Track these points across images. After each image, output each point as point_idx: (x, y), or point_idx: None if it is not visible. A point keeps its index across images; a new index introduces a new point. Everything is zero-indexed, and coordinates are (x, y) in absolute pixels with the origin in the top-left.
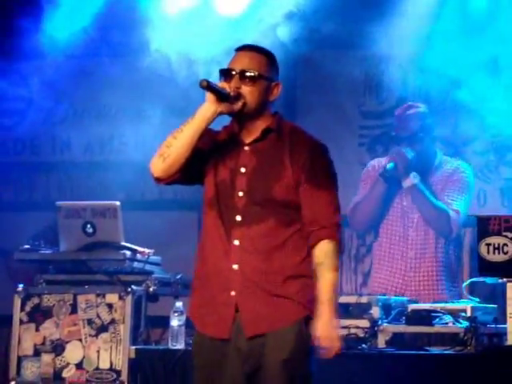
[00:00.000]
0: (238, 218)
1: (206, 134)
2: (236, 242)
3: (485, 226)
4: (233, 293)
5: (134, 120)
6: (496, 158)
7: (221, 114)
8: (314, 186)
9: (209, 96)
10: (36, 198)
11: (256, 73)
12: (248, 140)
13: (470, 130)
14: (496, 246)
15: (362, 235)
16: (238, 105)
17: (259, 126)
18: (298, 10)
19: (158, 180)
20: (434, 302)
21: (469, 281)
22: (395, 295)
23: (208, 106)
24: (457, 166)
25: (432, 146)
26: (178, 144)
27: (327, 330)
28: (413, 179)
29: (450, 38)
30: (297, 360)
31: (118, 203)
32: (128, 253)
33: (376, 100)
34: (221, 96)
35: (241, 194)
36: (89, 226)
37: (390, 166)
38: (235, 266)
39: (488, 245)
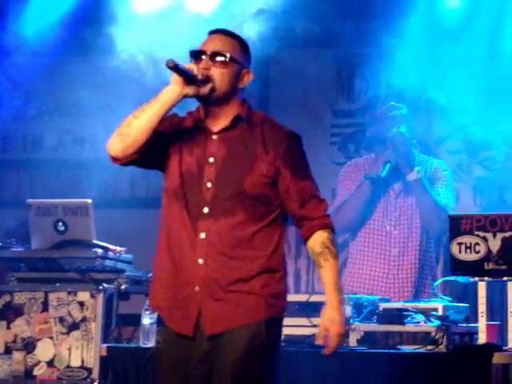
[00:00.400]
0: (206, 210)
1: (170, 118)
2: (202, 235)
3: (457, 225)
4: (197, 288)
5: (104, 118)
6: (468, 157)
7: (186, 96)
8: (297, 176)
9: (174, 77)
10: (7, 195)
11: (228, 55)
12: (216, 128)
13: (443, 129)
14: (468, 245)
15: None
16: (206, 88)
17: (228, 114)
18: (268, 7)
19: (114, 159)
20: (414, 300)
21: (441, 280)
22: (373, 294)
23: (173, 88)
24: (437, 165)
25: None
26: (138, 124)
27: (336, 317)
28: (417, 173)
29: (422, 37)
30: (248, 360)
31: (89, 201)
32: (99, 251)
33: (348, 99)
34: (188, 78)
35: (209, 184)
36: (60, 223)
37: (385, 168)
38: (200, 261)
39: (460, 244)
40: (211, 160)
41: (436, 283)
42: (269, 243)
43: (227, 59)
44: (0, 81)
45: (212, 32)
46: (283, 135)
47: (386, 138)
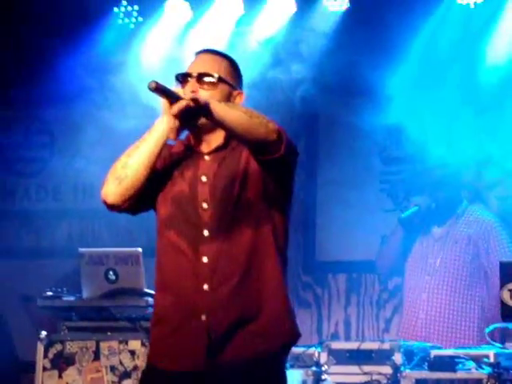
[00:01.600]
0: (206, 232)
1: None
2: (205, 260)
3: (507, 272)
4: (203, 317)
5: None
6: None
7: (178, 115)
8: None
9: (165, 106)
10: (58, 244)
11: (216, 75)
12: (207, 149)
13: (493, 175)
14: None
15: (384, 281)
16: (193, 100)
17: (220, 133)
18: (312, 60)
19: (111, 207)
20: (459, 347)
21: (492, 326)
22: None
23: (166, 117)
24: (487, 222)
25: (457, 193)
26: (134, 163)
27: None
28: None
29: (470, 87)
30: None
31: (139, 250)
32: (150, 299)
33: (396, 145)
34: (174, 100)
35: (205, 205)
36: (111, 272)
37: (409, 211)
38: (205, 287)
39: (510, 290)
40: (204, 179)
41: (487, 330)
42: (281, 264)
43: (215, 80)
44: (51, 130)
45: (199, 52)
46: None
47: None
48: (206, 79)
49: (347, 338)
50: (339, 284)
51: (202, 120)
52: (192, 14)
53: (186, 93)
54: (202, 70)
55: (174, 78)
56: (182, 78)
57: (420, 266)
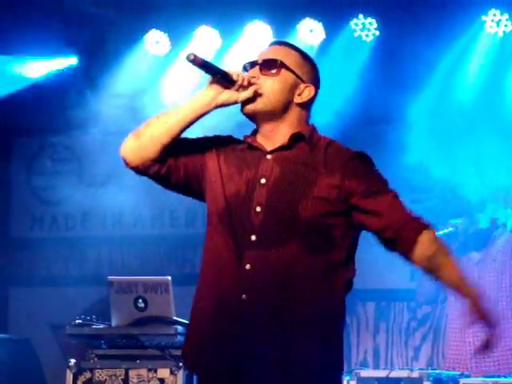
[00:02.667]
0: (253, 237)
1: (221, 138)
2: (248, 267)
3: None
4: (240, 328)
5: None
6: None
7: (223, 104)
8: (371, 193)
9: (210, 80)
10: (87, 272)
11: (278, 60)
12: (271, 147)
13: None
14: None
15: (413, 309)
16: (245, 94)
17: (285, 131)
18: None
19: (126, 163)
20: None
21: None
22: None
23: (207, 92)
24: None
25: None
26: (157, 124)
27: (480, 304)
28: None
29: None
30: None
31: (169, 278)
32: (179, 327)
33: (424, 174)
34: (221, 79)
35: (258, 209)
36: (140, 300)
37: (446, 231)
38: (244, 296)
39: None
40: (263, 181)
41: None
42: (333, 282)
43: (278, 65)
44: (78, 157)
45: (271, 44)
46: (350, 155)
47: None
48: (269, 64)
49: (376, 367)
50: (368, 312)
51: (257, 106)
52: (221, 42)
53: (241, 75)
54: (267, 57)
55: None
56: (250, 67)
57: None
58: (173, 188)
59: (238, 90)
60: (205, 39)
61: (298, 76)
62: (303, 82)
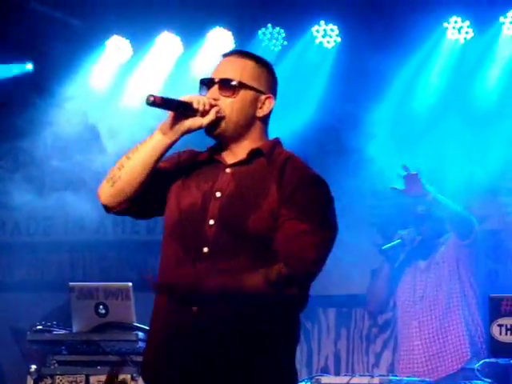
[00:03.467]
0: (205, 249)
1: (179, 154)
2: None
3: (497, 307)
4: (188, 341)
5: None
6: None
7: (189, 131)
8: (295, 222)
9: (170, 114)
10: (48, 277)
11: (236, 81)
12: (231, 161)
13: (483, 208)
14: (508, 326)
15: (374, 315)
16: (208, 117)
17: (246, 147)
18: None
19: (106, 208)
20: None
21: (481, 362)
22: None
23: (168, 122)
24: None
25: (441, 226)
26: (131, 165)
27: None
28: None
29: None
30: None
31: (130, 284)
32: (140, 333)
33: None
34: (182, 110)
35: (211, 221)
36: (101, 306)
37: (391, 244)
38: (195, 308)
39: (500, 326)
40: (218, 194)
41: (476, 365)
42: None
43: (236, 85)
44: (39, 162)
45: (225, 55)
46: (304, 175)
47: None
48: (227, 85)
49: (337, 373)
50: (329, 318)
51: (221, 128)
52: (183, 48)
53: (201, 101)
54: (223, 76)
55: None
56: (208, 84)
57: (410, 299)
58: (145, 217)
59: (201, 116)
60: (167, 45)
61: (257, 90)
62: (263, 93)
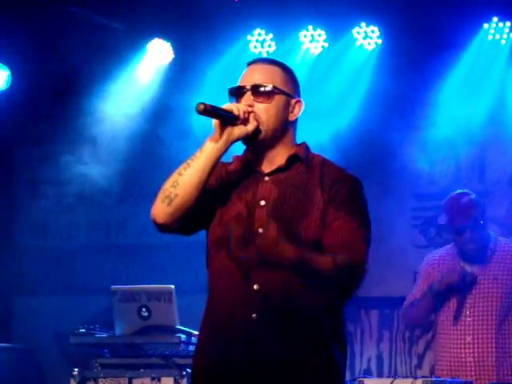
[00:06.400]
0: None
1: (225, 152)
2: (256, 287)
3: None
4: (248, 346)
5: None
6: None
7: (238, 139)
8: (340, 218)
9: (215, 122)
10: (91, 281)
11: (270, 86)
12: (268, 169)
13: None
14: None
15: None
16: (251, 125)
17: (282, 153)
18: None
19: (162, 227)
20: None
21: None
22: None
23: (217, 134)
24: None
25: (487, 230)
26: (186, 181)
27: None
28: None
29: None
30: None
31: (172, 287)
32: (183, 336)
33: (429, 181)
34: (227, 119)
35: (261, 230)
36: (144, 309)
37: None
38: (254, 315)
39: None
40: (262, 203)
41: None
42: (335, 308)
43: (270, 91)
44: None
45: (250, 63)
46: (344, 176)
47: (465, 226)
48: (261, 91)
49: (380, 374)
50: (371, 320)
51: (261, 135)
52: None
53: (240, 108)
54: (256, 82)
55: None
56: (237, 92)
57: (459, 307)
58: (194, 233)
59: (244, 125)
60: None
61: (288, 94)
62: (293, 97)
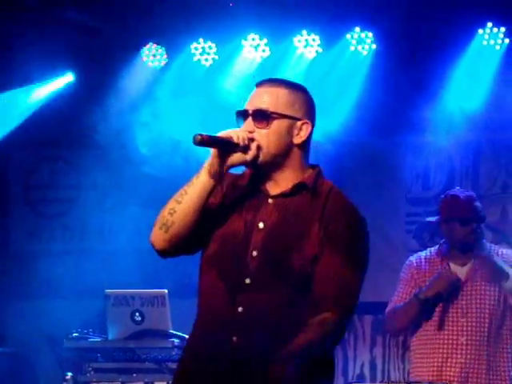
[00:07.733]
0: (247, 280)
1: (223, 182)
2: (240, 309)
3: None
4: (227, 367)
5: None
6: None
7: (232, 167)
8: (334, 259)
9: (213, 152)
10: (83, 285)
11: (268, 111)
12: (274, 191)
13: None
14: None
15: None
16: (251, 153)
17: (289, 177)
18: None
19: (161, 253)
20: None
21: None
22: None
23: (214, 161)
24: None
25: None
26: (182, 208)
27: None
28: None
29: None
30: None
31: (166, 291)
32: (176, 340)
33: (422, 187)
34: (226, 147)
35: (255, 253)
36: (137, 314)
37: (432, 301)
38: (235, 338)
39: None
40: (261, 225)
41: None
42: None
43: (268, 115)
44: (81, 171)
45: (257, 84)
46: (341, 210)
47: (457, 218)
48: (261, 116)
49: (373, 380)
50: (365, 325)
51: (260, 160)
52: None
53: (240, 135)
54: (257, 106)
55: None
56: (243, 115)
57: (451, 308)
58: (197, 251)
59: (242, 152)
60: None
61: (291, 117)
62: (298, 119)
